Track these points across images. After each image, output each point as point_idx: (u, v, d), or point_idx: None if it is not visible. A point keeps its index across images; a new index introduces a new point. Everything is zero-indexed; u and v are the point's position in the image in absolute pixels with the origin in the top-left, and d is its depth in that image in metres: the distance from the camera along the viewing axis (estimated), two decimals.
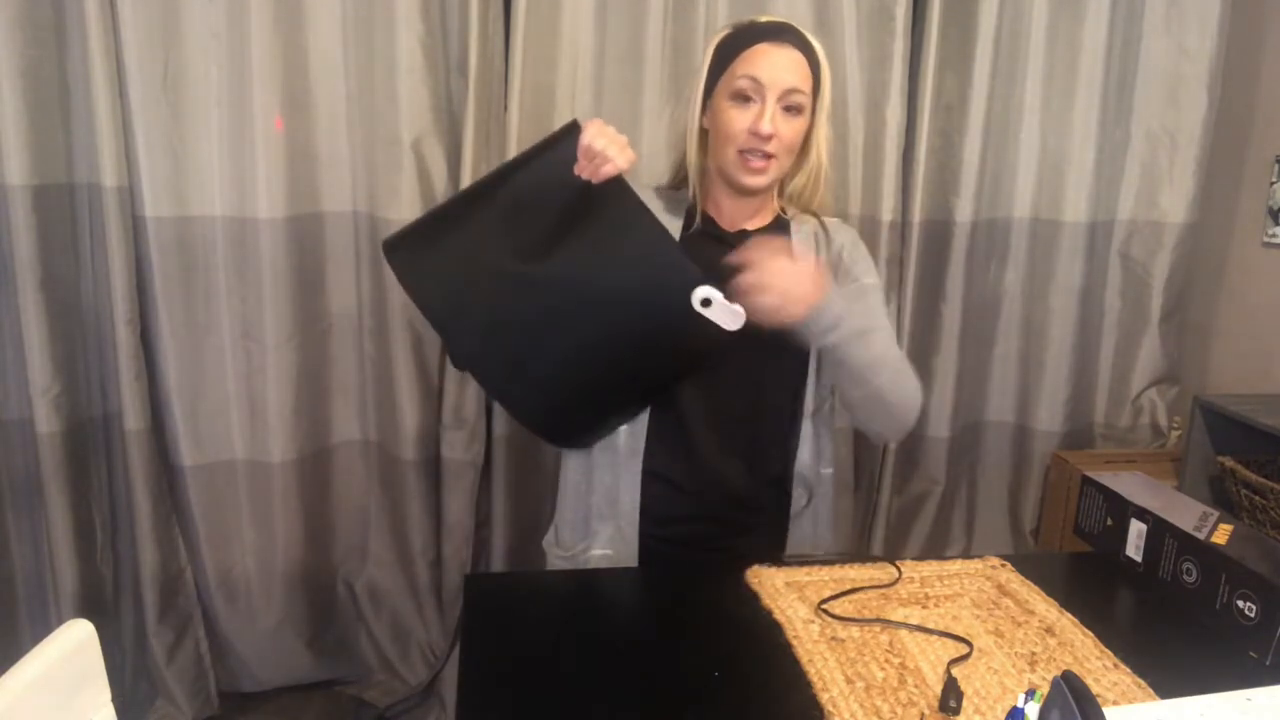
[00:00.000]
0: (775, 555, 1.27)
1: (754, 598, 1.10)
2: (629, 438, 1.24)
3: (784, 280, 1.06)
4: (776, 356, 1.21)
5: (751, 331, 1.08)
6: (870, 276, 1.27)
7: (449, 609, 2.15)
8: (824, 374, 1.24)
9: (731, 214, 1.27)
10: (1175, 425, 2.31)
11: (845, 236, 1.31)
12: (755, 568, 1.16)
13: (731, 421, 1.24)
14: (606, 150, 1.07)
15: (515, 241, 1.14)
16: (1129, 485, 1.27)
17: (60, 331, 1.80)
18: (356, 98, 1.91)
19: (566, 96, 1.96)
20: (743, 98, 1.16)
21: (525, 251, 1.13)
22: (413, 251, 1.18)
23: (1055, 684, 0.68)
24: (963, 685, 0.92)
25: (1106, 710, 0.66)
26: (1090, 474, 1.31)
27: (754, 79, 1.15)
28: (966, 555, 1.25)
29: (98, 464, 1.93)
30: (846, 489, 2.30)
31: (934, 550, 2.34)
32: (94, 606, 1.92)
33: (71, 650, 0.91)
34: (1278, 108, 2.11)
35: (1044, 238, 2.21)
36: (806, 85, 1.17)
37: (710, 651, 0.99)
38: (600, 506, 1.27)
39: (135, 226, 1.81)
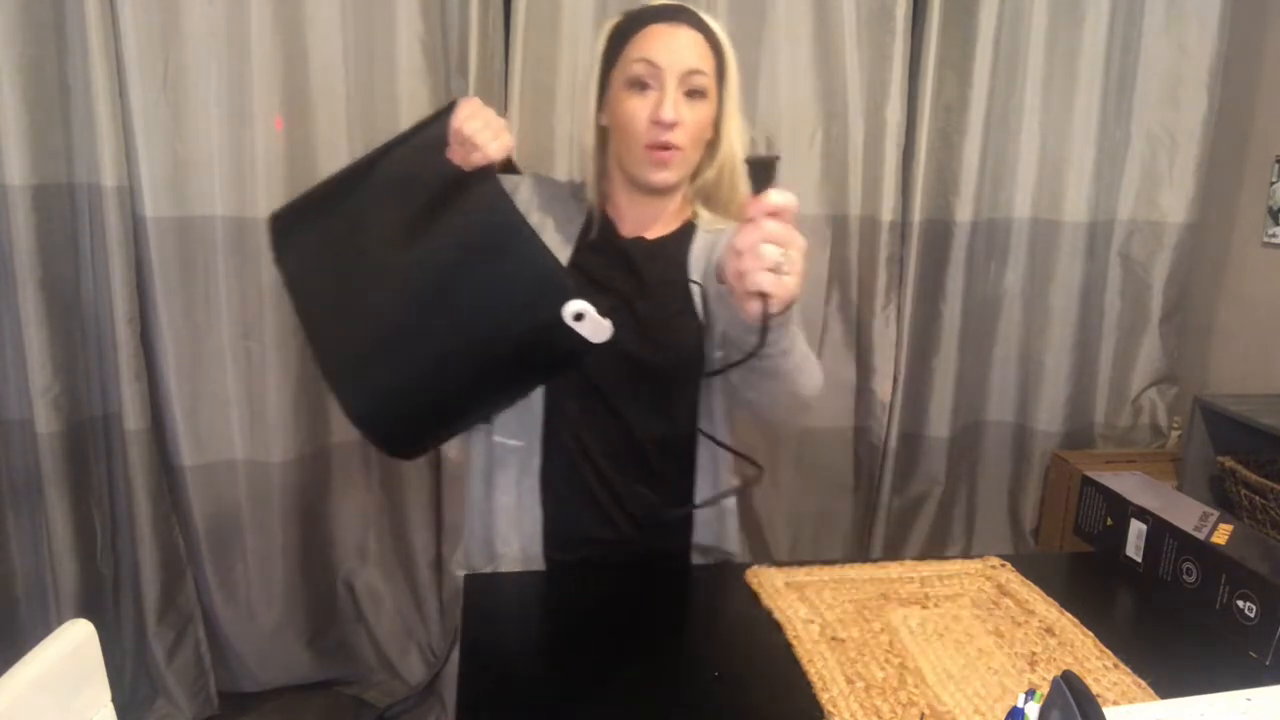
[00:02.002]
0: (682, 556, 1.22)
1: (754, 598, 1.10)
2: (525, 458, 1.16)
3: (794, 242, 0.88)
4: (671, 379, 1.13)
5: (615, 345, 0.96)
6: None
7: (449, 609, 2.15)
8: (726, 383, 1.13)
9: (634, 218, 1.17)
10: (1175, 425, 2.31)
11: None
12: (755, 568, 1.16)
13: (629, 443, 1.16)
14: (477, 136, 0.95)
15: (381, 226, 1.04)
16: (1129, 485, 1.27)
17: (60, 331, 1.80)
18: (356, 98, 1.91)
19: (566, 96, 1.96)
20: (640, 85, 1.06)
21: (389, 239, 1.03)
22: (289, 226, 1.11)
23: (1055, 684, 0.68)
24: (963, 685, 0.92)
25: (1106, 710, 0.66)
26: (1090, 474, 1.31)
27: (649, 61, 1.05)
28: (966, 555, 1.25)
29: (98, 464, 1.93)
30: (846, 489, 2.30)
31: (934, 550, 2.34)
32: (94, 606, 1.92)
33: (71, 650, 0.91)
34: (1278, 108, 2.11)
35: (1044, 238, 2.21)
36: (708, 66, 1.08)
37: (710, 651, 0.99)
38: (502, 528, 1.19)
39: (135, 226, 1.82)
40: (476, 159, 0.97)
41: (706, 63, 1.08)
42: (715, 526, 1.25)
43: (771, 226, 0.83)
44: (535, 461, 1.17)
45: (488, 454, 1.20)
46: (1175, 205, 2.19)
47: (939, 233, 2.16)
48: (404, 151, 1.07)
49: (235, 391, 1.96)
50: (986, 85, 2.07)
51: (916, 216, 2.12)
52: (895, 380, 2.20)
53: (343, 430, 2.09)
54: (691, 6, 1.11)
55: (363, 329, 1.04)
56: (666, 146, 1.07)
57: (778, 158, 1.04)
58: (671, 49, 1.06)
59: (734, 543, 1.29)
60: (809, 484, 2.27)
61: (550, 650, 0.99)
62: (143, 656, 2.02)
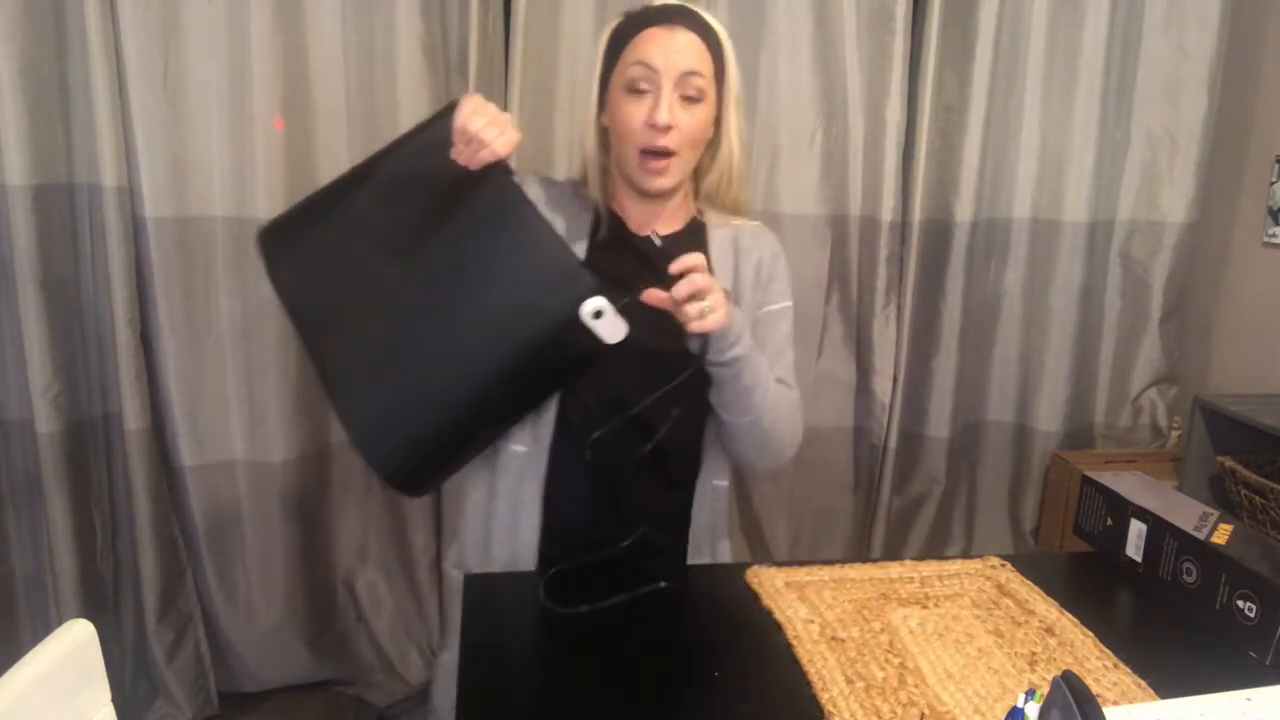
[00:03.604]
0: (678, 570, 1.20)
1: (754, 598, 1.10)
2: (530, 463, 1.16)
3: (714, 289, 0.99)
4: (681, 391, 1.12)
5: (629, 347, 0.97)
6: (785, 298, 1.20)
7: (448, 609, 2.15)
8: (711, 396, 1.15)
9: (639, 217, 1.17)
10: (1175, 425, 2.31)
11: (765, 249, 1.21)
12: (755, 567, 1.16)
13: (632, 459, 1.15)
14: (483, 133, 0.95)
15: (382, 234, 1.01)
16: (1129, 485, 1.27)
17: (60, 331, 1.80)
18: (356, 98, 1.91)
19: (566, 96, 1.96)
20: (636, 88, 1.06)
21: (390, 246, 1.00)
22: (282, 239, 1.07)
23: (1055, 684, 0.68)
24: (963, 685, 0.92)
25: (1106, 710, 0.66)
26: (1090, 474, 1.31)
27: (645, 64, 1.05)
28: (966, 555, 1.25)
29: (98, 464, 1.93)
30: (846, 489, 2.30)
31: (934, 550, 2.34)
32: (94, 606, 1.92)
33: (71, 650, 0.91)
34: (1278, 108, 2.11)
35: (1044, 238, 2.21)
36: (705, 68, 1.07)
37: (710, 651, 0.99)
38: (499, 533, 1.19)
39: (135, 226, 1.81)
40: (484, 156, 0.96)
41: (704, 64, 1.07)
42: (708, 540, 1.26)
43: (691, 283, 0.97)
44: (540, 467, 1.16)
45: (490, 458, 1.19)
46: (1175, 205, 2.19)
47: (939, 233, 2.16)
48: (403, 155, 1.05)
49: (235, 391, 1.96)
50: (986, 85, 2.07)
51: (916, 216, 2.12)
52: (895, 380, 2.20)
53: (343, 430, 2.08)
54: (692, 6, 1.11)
55: (367, 344, 1.00)
56: (661, 154, 1.07)
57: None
58: (668, 52, 1.05)
59: (723, 553, 1.29)
60: (809, 484, 2.27)
61: (549, 650, 0.99)
62: (143, 656, 2.02)
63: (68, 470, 1.84)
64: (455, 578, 1.21)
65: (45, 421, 1.78)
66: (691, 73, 1.06)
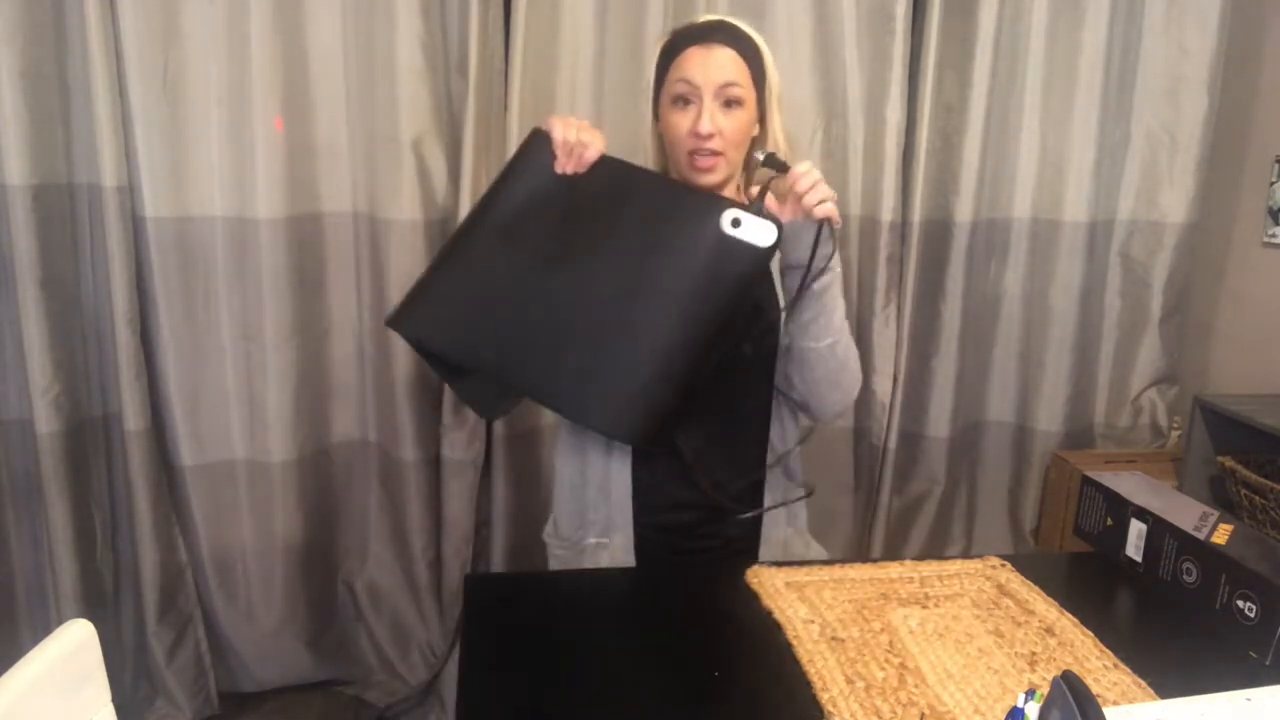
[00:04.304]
0: (754, 544, 1.31)
1: (754, 598, 1.10)
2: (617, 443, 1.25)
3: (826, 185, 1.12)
4: (748, 354, 1.24)
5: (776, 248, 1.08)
6: (838, 265, 1.29)
7: (449, 609, 2.15)
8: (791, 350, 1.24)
9: None
10: (1175, 425, 2.31)
11: None
12: (755, 567, 1.16)
13: (708, 413, 1.24)
14: (582, 138, 1.12)
15: (526, 257, 1.12)
16: (1129, 485, 1.27)
17: (60, 331, 1.80)
18: (356, 98, 1.91)
19: (566, 96, 1.96)
20: (682, 101, 1.19)
21: (545, 263, 1.11)
22: (418, 312, 1.15)
23: (1055, 684, 0.68)
24: (963, 685, 0.92)
25: (1106, 710, 0.66)
26: (1090, 474, 1.31)
27: (687, 81, 1.18)
28: (966, 555, 1.25)
29: (98, 464, 1.93)
30: (846, 489, 2.30)
31: (934, 550, 2.34)
32: (94, 606, 1.92)
33: (71, 650, 0.91)
34: (1278, 108, 2.11)
35: (1044, 238, 2.21)
36: (743, 78, 1.19)
37: (710, 651, 0.99)
38: (594, 496, 1.28)
39: (135, 226, 1.82)
40: (590, 156, 1.13)
41: (741, 75, 1.19)
42: (784, 516, 1.35)
43: (811, 175, 1.11)
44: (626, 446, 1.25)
45: (579, 429, 1.27)
46: (1175, 205, 2.19)
47: (939, 233, 2.16)
48: (509, 195, 1.16)
49: (235, 391, 1.96)
50: (986, 85, 2.07)
51: (916, 216, 2.12)
52: (895, 380, 2.20)
53: (343, 430, 2.09)
54: (730, 20, 1.21)
55: (574, 347, 1.10)
56: (707, 153, 1.19)
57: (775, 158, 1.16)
58: (707, 68, 1.17)
59: (802, 521, 1.39)
60: (809, 483, 2.27)
61: (550, 650, 0.99)
62: (143, 656, 2.02)
63: (68, 470, 1.83)
64: (554, 547, 1.36)
65: (45, 421, 1.78)
66: (729, 83, 1.18)
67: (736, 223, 1.06)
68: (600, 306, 1.10)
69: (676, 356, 1.09)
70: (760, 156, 1.18)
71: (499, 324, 1.13)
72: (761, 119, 1.23)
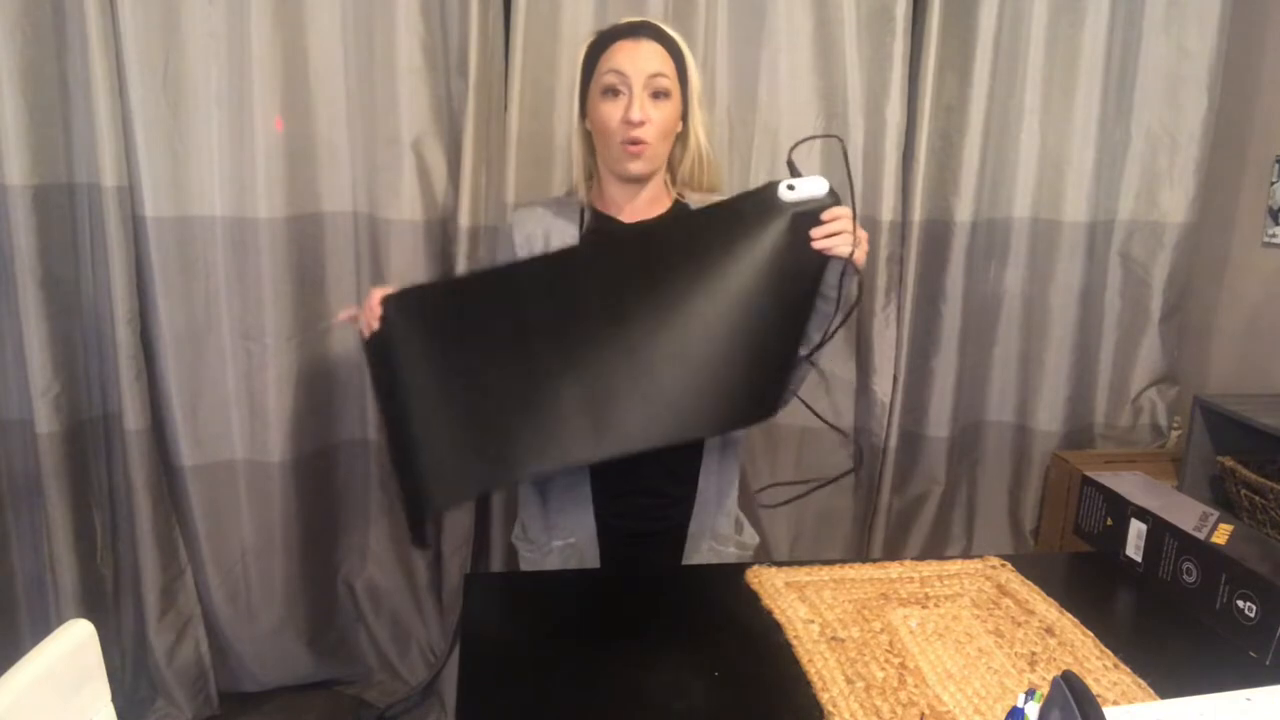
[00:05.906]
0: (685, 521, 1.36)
1: (754, 598, 1.10)
2: None
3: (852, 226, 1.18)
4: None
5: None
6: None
7: (449, 609, 2.15)
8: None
9: (630, 207, 1.32)
10: (1175, 425, 2.31)
11: None
12: (755, 568, 1.16)
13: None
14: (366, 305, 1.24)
15: (598, 313, 1.15)
16: (1129, 485, 1.27)
17: (60, 331, 1.80)
18: (356, 98, 1.91)
19: (566, 96, 1.96)
20: (612, 92, 1.23)
21: (613, 316, 1.15)
22: (431, 488, 1.14)
23: (1055, 684, 0.68)
24: (963, 685, 0.92)
25: (1106, 710, 0.66)
26: (1090, 474, 1.31)
27: (618, 71, 1.22)
28: (966, 555, 1.25)
29: (98, 464, 1.93)
30: (846, 489, 2.30)
31: (934, 550, 2.34)
32: (94, 606, 1.92)
33: (71, 650, 0.91)
34: (1278, 108, 2.11)
35: (1044, 238, 2.21)
36: (669, 70, 1.24)
37: (710, 651, 0.99)
38: (558, 500, 1.34)
39: (135, 226, 1.81)
40: (373, 304, 1.25)
41: (667, 67, 1.24)
42: (714, 488, 1.38)
43: (847, 219, 1.18)
44: None
45: None
46: (1175, 205, 2.19)
47: (939, 233, 2.16)
48: (548, 260, 1.23)
49: (235, 391, 1.96)
50: (986, 85, 2.07)
51: (916, 216, 2.12)
52: (895, 380, 2.20)
53: (343, 430, 2.09)
54: (653, 21, 1.28)
55: (696, 377, 1.13)
56: (637, 141, 1.23)
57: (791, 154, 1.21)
58: (635, 59, 1.22)
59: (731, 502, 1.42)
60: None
61: (550, 650, 0.99)
62: (143, 656, 2.02)
63: (68, 470, 1.83)
64: (523, 549, 1.41)
65: (45, 421, 1.78)
66: (657, 74, 1.23)
67: (791, 188, 1.14)
68: (666, 340, 1.13)
69: (787, 326, 1.20)
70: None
71: (515, 434, 1.11)
72: (684, 116, 1.29)
